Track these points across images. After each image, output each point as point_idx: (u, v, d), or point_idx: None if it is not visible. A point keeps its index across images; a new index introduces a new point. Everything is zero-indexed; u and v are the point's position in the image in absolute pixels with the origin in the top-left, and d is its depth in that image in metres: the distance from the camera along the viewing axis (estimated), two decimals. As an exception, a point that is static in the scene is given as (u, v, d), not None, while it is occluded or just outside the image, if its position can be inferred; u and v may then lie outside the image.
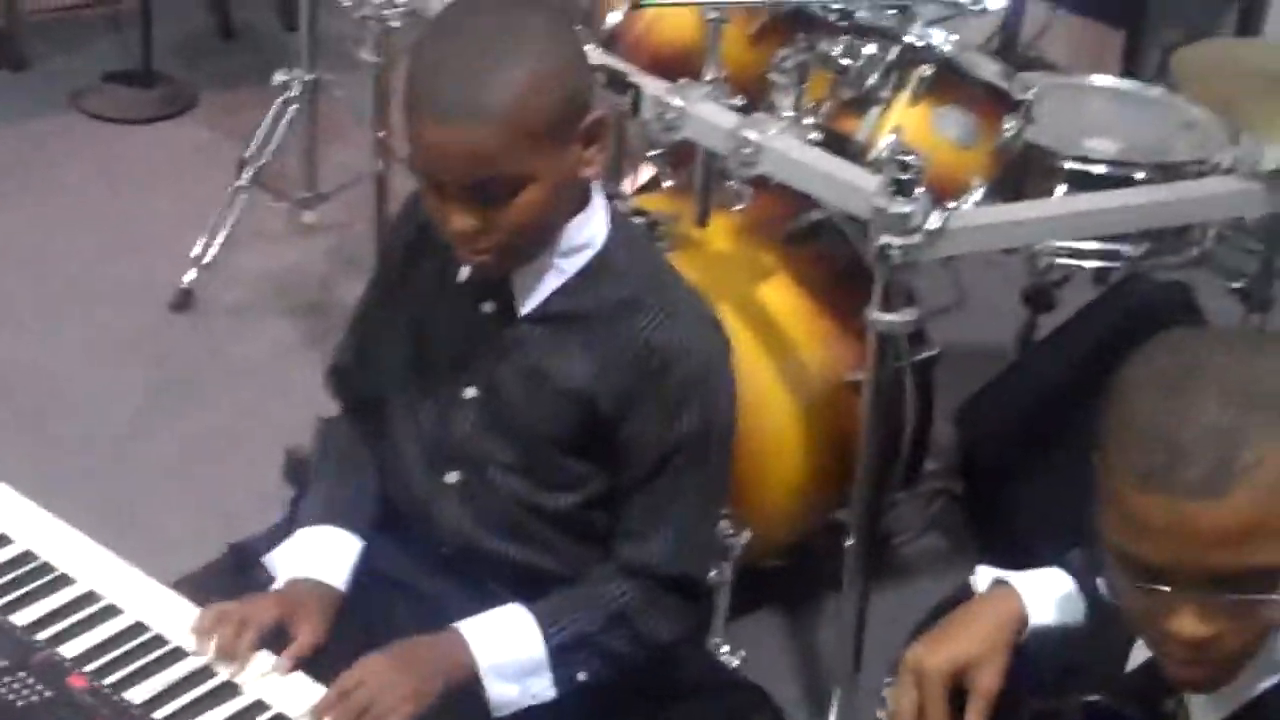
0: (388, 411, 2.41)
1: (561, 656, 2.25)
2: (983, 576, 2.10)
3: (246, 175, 4.35)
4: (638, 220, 3.23)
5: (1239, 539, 1.64)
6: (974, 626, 2.02)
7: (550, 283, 2.28)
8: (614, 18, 3.27)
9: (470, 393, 2.33)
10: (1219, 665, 1.75)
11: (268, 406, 3.99)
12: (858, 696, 3.08)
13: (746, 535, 3.10)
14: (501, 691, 2.23)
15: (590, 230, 2.28)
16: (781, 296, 3.32)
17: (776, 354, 3.26)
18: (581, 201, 2.27)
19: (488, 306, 2.30)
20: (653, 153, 3.30)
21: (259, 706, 2.12)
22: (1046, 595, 2.04)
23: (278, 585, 2.32)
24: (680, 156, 3.30)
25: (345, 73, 4.32)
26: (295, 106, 4.35)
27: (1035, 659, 2.04)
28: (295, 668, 2.18)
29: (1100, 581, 1.95)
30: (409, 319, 2.39)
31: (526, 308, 2.29)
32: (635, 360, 2.24)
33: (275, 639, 2.22)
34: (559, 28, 2.23)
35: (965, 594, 2.11)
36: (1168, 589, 1.69)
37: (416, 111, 2.15)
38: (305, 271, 4.50)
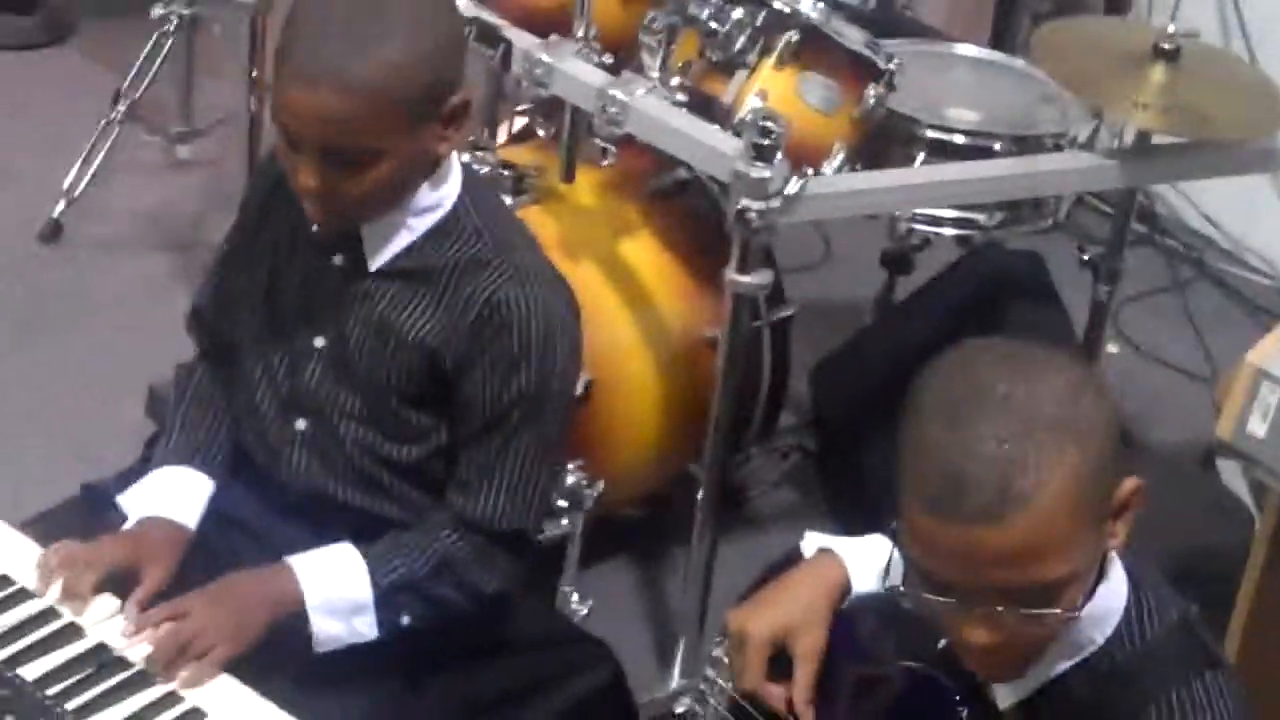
0: (241, 357, 2.45)
1: (387, 598, 2.30)
2: (810, 542, 2.17)
3: (121, 107, 4.33)
4: (504, 173, 3.26)
5: (1020, 559, 1.73)
6: (796, 593, 2.09)
7: (400, 240, 2.32)
8: (490, -30, 3.30)
9: (319, 342, 2.37)
10: (1012, 665, 1.86)
11: (132, 342, 3.98)
12: (703, 647, 3.15)
13: (600, 486, 3.16)
14: (326, 627, 2.28)
15: (442, 192, 2.32)
16: (644, 252, 3.37)
17: (636, 309, 3.31)
18: (435, 166, 2.31)
19: (338, 259, 2.35)
20: (523, 106, 3.33)
21: (101, 649, 2.15)
22: (870, 564, 2.10)
23: (128, 525, 2.36)
24: (552, 109, 3.34)
25: (224, 9, 4.31)
26: (173, 40, 4.34)
27: (857, 625, 2.11)
28: (145, 609, 2.21)
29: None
30: (265, 267, 2.42)
31: (375, 263, 2.33)
32: (477, 318, 2.29)
33: (123, 580, 2.26)
34: (439, 6, 2.27)
35: (795, 557, 2.18)
36: (955, 601, 1.79)
37: (286, 68, 2.18)
38: (177, 207, 4.49)
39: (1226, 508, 3.55)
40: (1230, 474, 3.82)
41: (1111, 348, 4.31)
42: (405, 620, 2.32)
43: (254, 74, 3.77)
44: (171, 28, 4.33)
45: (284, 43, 2.19)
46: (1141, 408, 4.24)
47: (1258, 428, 2.68)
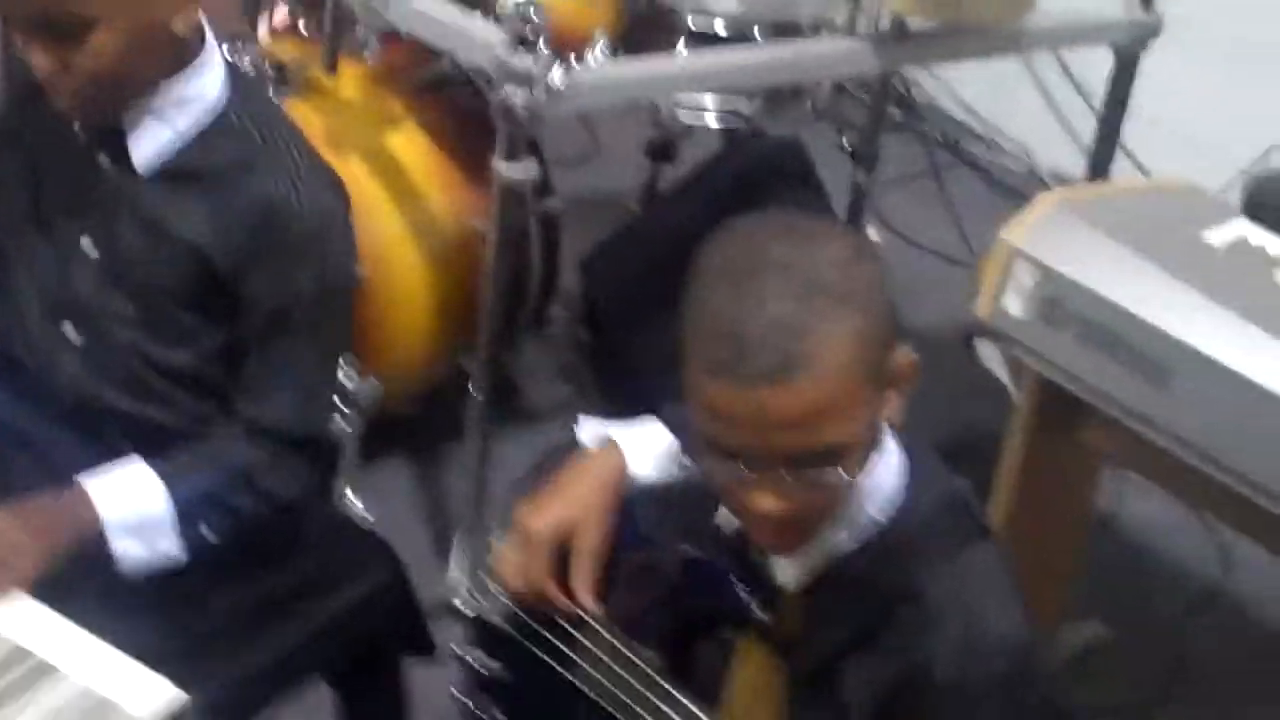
0: (6, 261, 2.39)
1: (186, 513, 2.27)
2: (587, 430, 2.18)
3: None
4: (267, 66, 3.23)
5: (804, 422, 1.77)
6: (578, 488, 2.10)
7: (161, 135, 2.27)
8: None
9: (87, 244, 2.32)
10: (795, 533, 1.90)
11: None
12: (479, 541, 3.17)
13: (374, 385, 3.16)
14: (128, 548, 2.24)
15: (202, 85, 2.27)
16: (410, 146, 3.37)
17: (404, 203, 3.31)
18: (183, 55, 2.26)
19: (103, 160, 2.30)
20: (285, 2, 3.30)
21: None
22: (646, 450, 2.13)
23: None
24: (314, 2, 3.30)
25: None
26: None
27: (637, 513, 2.14)
28: None
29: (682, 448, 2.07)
30: (28, 166, 2.37)
31: (140, 161, 2.28)
32: (252, 219, 2.25)
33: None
34: None
35: (570, 444, 2.19)
36: (744, 469, 1.82)
37: None
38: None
39: (986, 388, 3.65)
40: (988, 355, 3.93)
41: (872, 233, 4.39)
42: (205, 531, 2.29)
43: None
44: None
45: None
46: (901, 291, 4.26)
47: (1014, 306, 2.76)
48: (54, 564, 2.18)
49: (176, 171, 2.28)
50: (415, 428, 3.62)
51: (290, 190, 2.26)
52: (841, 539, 1.92)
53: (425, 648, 2.61)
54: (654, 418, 2.16)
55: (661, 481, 2.14)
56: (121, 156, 2.29)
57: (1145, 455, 2.74)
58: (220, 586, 2.36)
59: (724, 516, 2.00)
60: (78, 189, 2.32)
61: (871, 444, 1.87)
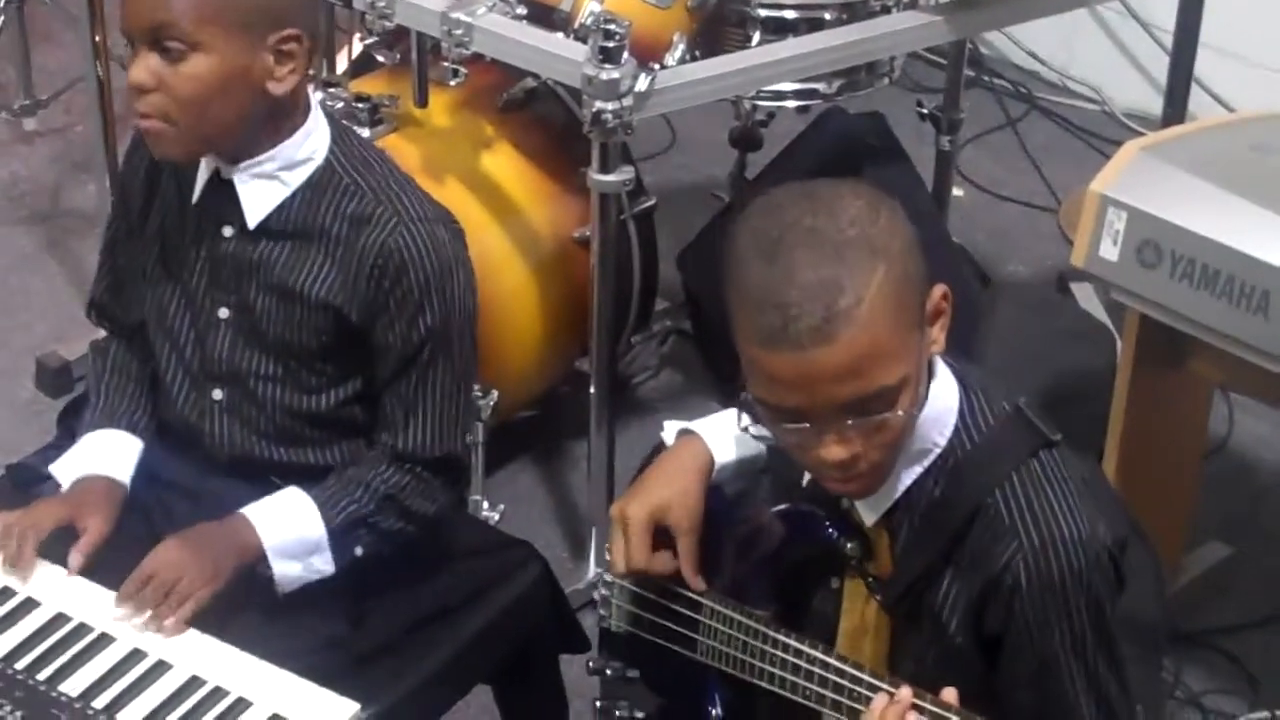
0: (149, 337, 2.52)
1: (340, 536, 2.40)
2: (669, 430, 2.30)
3: (-39, 89, 4.34)
4: (359, 105, 3.33)
5: (856, 371, 1.89)
6: (666, 474, 2.23)
7: (274, 195, 2.39)
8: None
9: (224, 313, 2.45)
10: (869, 476, 2.01)
11: (13, 319, 4.02)
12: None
13: (495, 396, 3.27)
14: (286, 569, 2.38)
15: (311, 145, 2.39)
16: (504, 164, 3.46)
17: (505, 220, 3.41)
18: (291, 117, 2.37)
19: (227, 230, 2.42)
20: (368, 40, 3.40)
21: (60, 619, 2.25)
22: (729, 435, 2.24)
23: (63, 490, 2.44)
24: (395, 36, 3.40)
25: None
26: (3, 16, 4.35)
27: (727, 492, 2.26)
28: (88, 561, 2.32)
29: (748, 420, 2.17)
30: (157, 248, 2.49)
31: (254, 221, 2.40)
32: (373, 268, 2.37)
33: (65, 547, 2.34)
34: None
35: (660, 447, 2.31)
36: (807, 425, 1.93)
37: None
38: (33, 179, 4.51)
39: (1087, 330, 3.72)
40: (1085, 297, 4.00)
41: (957, 191, 4.46)
42: (359, 551, 2.42)
43: (96, 38, 3.79)
44: (1, 3, 4.34)
45: None
46: (993, 244, 4.40)
47: (1109, 252, 2.83)
48: (228, 582, 2.33)
49: (295, 230, 2.40)
50: (538, 431, 3.71)
51: (408, 236, 2.38)
52: (910, 469, 2.03)
53: (578, 643, 2.71)
54: (732, 407, 2.25)
55: (746, 457, 2.25)
56: (241, 223, 2.41)
57: (1253, 378, 2.82)
58: (378, 604, 2.47)
59: (809, 476, 2.10)
60: (208, 261, 2.44)
61: (923, 379, 1.98)
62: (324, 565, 2.40)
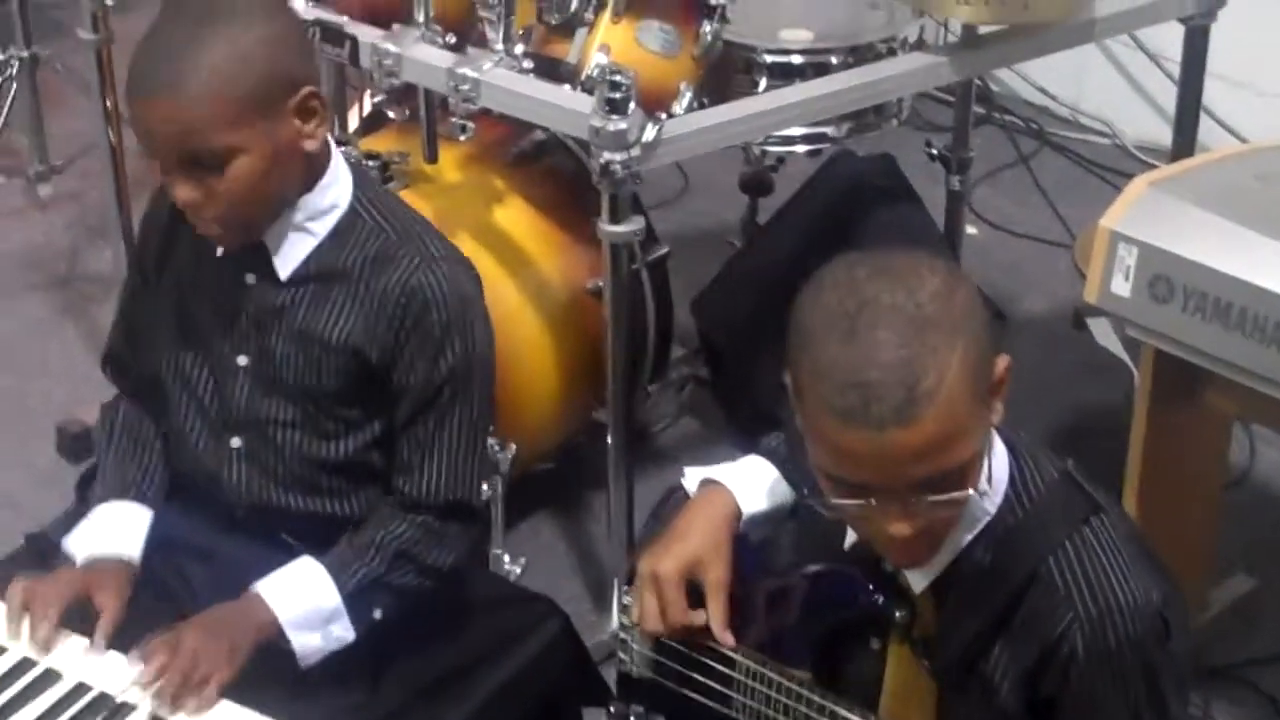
0: (166, 389, 2.53)
1: (355, 601, 2.40)
2: (691, 477, 2.28)
3: (-25, 156, 4.37)
4: (369, 163, 3.35)
5: (932, 451, 1.87)
6: (695, 527, 2.20)
7: (304, 247, 2.41)
8: (322, -30, 3.37)
9: (243, 360, 2.46)
10: (928, 548, 2.00)
11: (32, 385, 4.04)
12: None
13: (513, 449, 3.28)
14: (305, 641, 2.38)
15: (334, 193, 2.41)
16: (516, 217, 3.47)
17: (518, 273, 3.42)
18: (317, 169, 2.40)
19: (250, 278, 2.43)
20: (378, 98, 3.41)
21: (81, 689, 2.25)
22: (755, 485, 2.23)
23: (77, 566, 2.44)
24: (404, 93, 3.42)
25: (63, 45, 4.36)
26: (16, 84, 4.39)
27: (757, 544, 2.24)
28: (109, 641, 2.32)
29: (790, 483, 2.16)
30: (174, 299, 2.50)
31: (287, 272, 2.42)
32: (395, 310, 2.38)
33: (79, 620, 2.35)
34: (260, 9, 2.35)
35: (678, 494, 2.30)
36: (874, 501, 1.92)
37: (127, 91, 2.29)
38: (49, 245, 4.53)
39: (1104, 365, 3.72)
40: (1102, 332, 4.00)
41: (971, 229, 4.46)
42: (378, 615, 2.42)
43: (108, 104, 3.82)
44: (14, 71, 4.37)
45: (128, 76, 2.30)
46: (1008, 281, 4.40)
47: (1121, 287, 2.83)
48: (245, 662, 2.32)
49: (319, 274, 2.42)
50: (557, 483, 3.71)
51: (429, 278, 2.39)
52: (962, 536, 2.02)
53: (601, 696, 2.69)
54: (754, 455, 2.26)
55: (775, 511, 2.24)
56: (266, 271, 2.42)
57: (1270, 410, 2.82)
58: (398, 665, 2.47)
59: (852, 537, 2.09)
60: (227, 309, 2.45)
61: (987, 453, 1.97)
62: (344, 632, 2.40)
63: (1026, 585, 2.00)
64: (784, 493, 2.23)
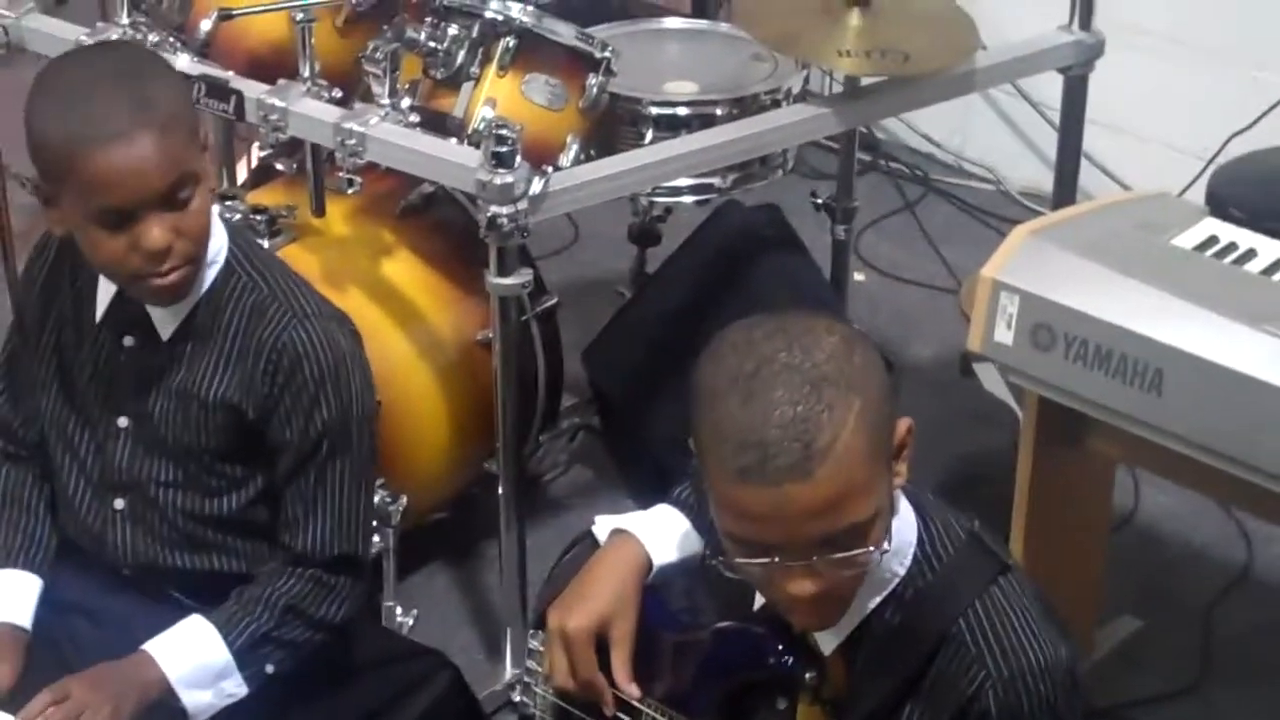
0: (49, 451, 2.52)
1: (246, 656, 2.40)
2: (602, 526, 2.29)
3: None
4: (256, 217, 3.34)
5: (831, 508, 1.89)
6: (604, 582, 2.21)
7: (184, 305, 2.40)
8: (206, 25, 3.36)
9: (123, 422, 2.45)
10: (833, 609, 2.02)
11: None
12: (527, 634, 3.26)
13: (404, 500, 3.27)
14: (196, 699, 2.38)
15: (215, 248, 2.41)
16: (404, 269, 3.47)
17: (407, 325, 3.42)
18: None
19: (129, 340, 2.42)
20: (265, 152, 3.41)
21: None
22: (666, 535, 2.25)
23: None
24: (292, 146, 3.41)
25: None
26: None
27: (668, 597, 2.25)
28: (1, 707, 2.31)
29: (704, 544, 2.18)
30: (55, 361, 2.50)
31: (166, 333, 2.41)
32: (267, 365, 2.39)
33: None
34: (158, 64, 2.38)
35: (585, 541, 2.31)
36: (776, 560, 1.93)
37: (92, 147, 2.21)
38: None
39: (991, 411, 3.75)
40: (989, 378, 4.03)
41: (858, 276, 4.50)
42: (270, 669, 2.42)
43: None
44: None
45: (60, 137, 2.23)
46: (896, 328, 4.44)
47: (1004, 336, 2.87)
48: (131, 717, 2.32)
49: (195, 332, 2.41)
50: (450, 533, 3.70)
51: (300, 334, 2.39)
52: (870, 599, 2.04)
53: (493, 749, 2.71)
54: (665, 504, 2.27)
55: (685, 562, 2.25)
56: (146, 332, 2.41)
57: (1152, 454, 2.84)
58: (290, 718, 2.47)
59: (760, 599, 2.10)
60: (106, 372, 2.45)
61: (890, 513, 1.99)
62: (236, 688, 2.40)
63: (937, 646, 2.02)
64: (695, 544, 2.24)
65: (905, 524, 2.04)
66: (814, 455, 1.87)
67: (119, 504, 2.47)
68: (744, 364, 1.91)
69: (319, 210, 3.37)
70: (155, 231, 2.26)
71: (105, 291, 2.42)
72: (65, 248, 2.48)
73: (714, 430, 1.91)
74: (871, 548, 1.94)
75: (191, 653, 2.38)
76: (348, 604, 2.48)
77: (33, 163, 2.30)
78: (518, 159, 2.97)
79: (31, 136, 2.27)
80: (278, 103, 3.20)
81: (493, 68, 3.27)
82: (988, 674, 1.98)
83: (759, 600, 2.11)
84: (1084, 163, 3.94)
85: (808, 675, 2.07)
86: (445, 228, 3.53)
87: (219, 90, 3.24)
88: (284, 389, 2.39)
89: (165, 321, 2.41)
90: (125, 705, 2.31)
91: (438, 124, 3.25)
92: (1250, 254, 2.90)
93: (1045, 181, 4.22)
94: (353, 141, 3.13)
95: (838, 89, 3.66)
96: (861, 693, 2.05)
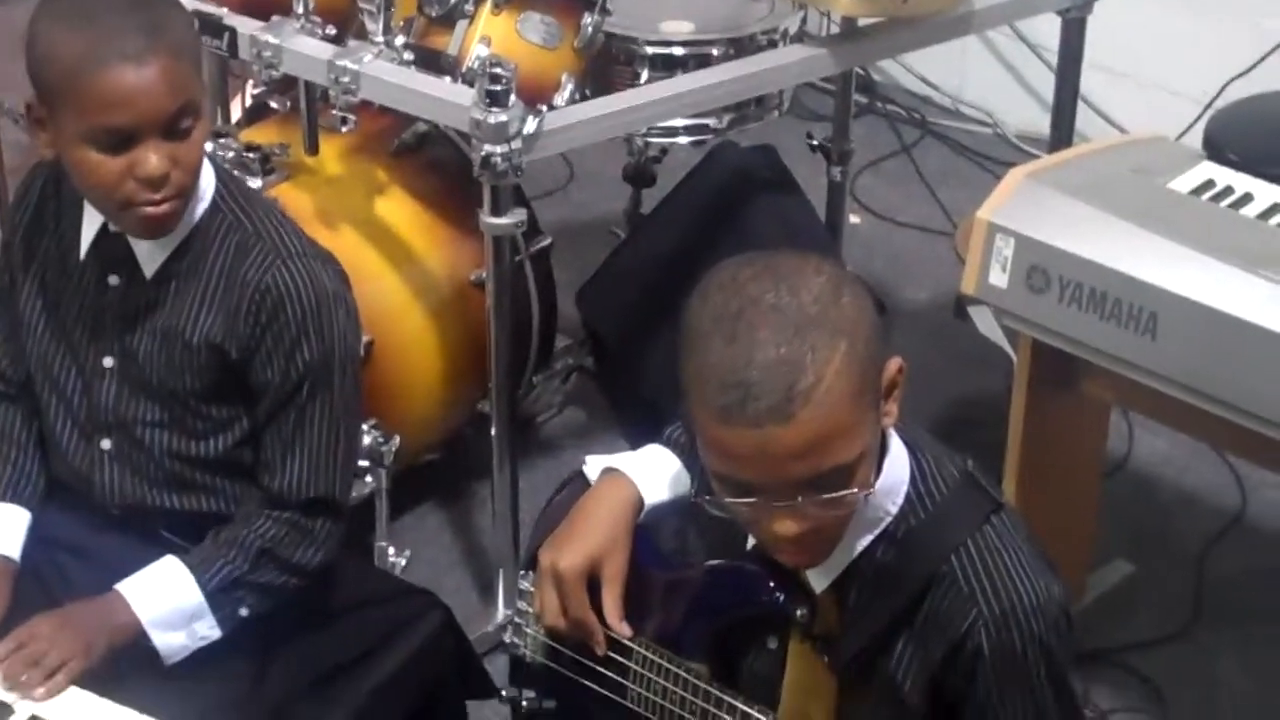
0: (36, 391, 2.51)
1: (219, 599, 2.39)
2: (593, 465, 2.29)
3: None
4: (249, 155, 3.33)
5: (814, 449, 1.88)
6: (595, 520, 2.21)
7: (168, 242, 2.38)
8: (202, -39, 3.35)
9: (108, 361, 2.44)
10: (819, 548, 2.01)
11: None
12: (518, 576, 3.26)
13: (396, 440, 3.27)
14: (168, 640, 2.37)
15: (201, 186, 2.39)
16: (398, 209, 3.46)
17: (401, 265, 3.40)
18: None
19: (114, 279, 2.41)
20: (258, 90, 3.39)
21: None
22: (658, 475, 2.24)
23: None
24: (286, 83, 3.40)
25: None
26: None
27: (660, 536, 2.25)
28: None
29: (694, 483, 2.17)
30: (41, 301, 2.48)
31: (150, 271, 2.39)
32: (251, 305, 2.36)
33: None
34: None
35: (577, 481, 2.31)
36: (760, 500, 1.93)
37: (103, 66, 2.20)
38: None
39: (985, 355, 3.75)
40: (983, 321, 4.02)
41: (853, 218, 4.49)
42: (244, 612, 2.41)
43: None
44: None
45: (70, 53, 2.21)
46: (891, 270, 4.43)
47: (999, 278, 2.86)
48: (97, 663, 2.31)
49: (180, 271, 2.39)
50: (442, 474, 3.70)
51: (282, 274, 2.37)
52: (862, 537, 2.03)
53: (485, 690, 2.70)
54: (656, 444, 2.27)
55: (676, 502, 2.25)
56: (130, 271, 2.40)
57: (1145, 398, 2.85)
58: (279, 660, 2.46)
59: (753, 539, 2.10)
60: (91, 311, 2.43)
61: (876, 453, 1.98)
62: (209, 630, 2.39)
63: (929, 584, 2.02)
64: (686, 483, 2.24)
65: (898, 462, 2.04)
66: (795, 398, 1.86)
67: (105, 444, 2.46)
68: (730, 304, 1.91)
69: (312, 148, 3.36)
70: (154, 158, 2.25)
71: (90, 229, 2.41)
72: (49, 187, 2.46)
73: (698, 370, 1.91)
74: (856, 489, 1.94)
75: (164, 594, 2.37)
76: (324, 549, 2.46)
77: (31, 80, 2.28)
78: (512, 98, 2.95)
79: (36, 51, 2.25)
80: (271, 39, 3.19)
81: (487, 5, 3.25)
82: (980, 612, 1.98)
83: (751, 540, 2.10)
84: (1081, 106, 3.93)
85: (799, 612, 2.07)
86: (439, 167, 3.52)
87: (212, 27, 3.23)
88: (266, 329, 2.37)
89: (150, 259, 2.39)
90: (96, 645, 2.31)
91: (432, 62, 3.23)
92: (1246, 198, 2.89)
93: (1042, 124, 4.20)
94: (346, 79, 3.11)
95: (834, 30, 3.64)
96: (853, 630, 2.05)
